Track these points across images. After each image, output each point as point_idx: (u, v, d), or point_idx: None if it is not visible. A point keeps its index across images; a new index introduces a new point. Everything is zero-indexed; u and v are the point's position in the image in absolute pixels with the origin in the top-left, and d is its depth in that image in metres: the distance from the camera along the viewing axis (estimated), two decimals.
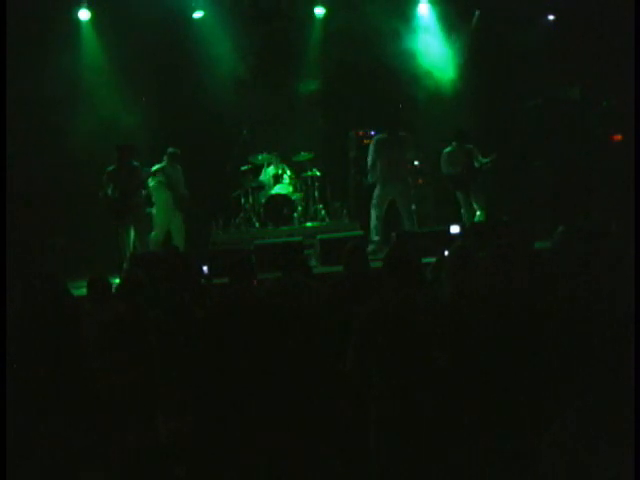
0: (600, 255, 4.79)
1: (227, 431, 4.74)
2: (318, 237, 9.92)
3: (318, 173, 11.80)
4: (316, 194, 11.85)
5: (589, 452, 1.64)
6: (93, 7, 11.14)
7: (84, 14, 11.15)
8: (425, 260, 5.16)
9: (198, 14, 11.55)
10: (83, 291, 5.56)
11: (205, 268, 7.38)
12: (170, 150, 10.21)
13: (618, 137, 11.95)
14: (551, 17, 12.19)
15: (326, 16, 12.01)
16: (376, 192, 10.25)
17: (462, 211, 10.52)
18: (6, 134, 7.86)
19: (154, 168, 10.08)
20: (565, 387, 3.78)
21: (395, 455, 4.11)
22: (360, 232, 10.18)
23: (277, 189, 11.58)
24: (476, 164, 10.28)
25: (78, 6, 11.08)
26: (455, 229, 9.47)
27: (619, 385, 2.88)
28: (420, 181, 11.76)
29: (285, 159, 11.81)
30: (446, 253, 4.92)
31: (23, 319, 4.89)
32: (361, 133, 12.16)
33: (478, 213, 10.36)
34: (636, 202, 7.68)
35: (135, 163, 9.62)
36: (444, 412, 4.06)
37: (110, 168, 9.54)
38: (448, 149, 10.41)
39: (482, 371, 4.09)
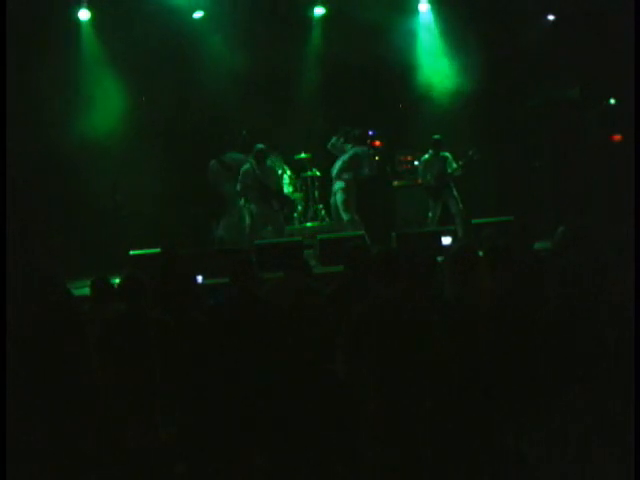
0: (600, 255, 4.80)
1: (227, 431, 4.74)
2: (318, 237, 9.92)
3: (318, 173, 11.81)
4: (316, 194, 11.86)
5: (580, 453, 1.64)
6: (93, 7, 11.13)
7: (84, 14, 11.14)
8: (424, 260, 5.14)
9: (198, 14, 11.54)
10: (83, 291, 5.57)
11: (199, 278, 7.20)
12: None
13: (618, 137, 11.95)
14: (551, 17, 12.18)
15: (326, 16, 12.01)
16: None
17: (429, 214, 10.90)
18: (6, 134, 7.85)
19: None
20: (565, 388, 3.78)
21: (388, 456, 4.11)
22: (360, 232, 10.19)
23: None
24: (449, 170, 10.70)
25: (78, 6, 11.07)
26: (447, 240, 9.54)
27: (619, 386, 2.88)
28: (419, 181, 11.78)
29: (285, 159, 11.81)
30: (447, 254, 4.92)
31: (24, 320, 4.89)
32: None
33: (457, 217, 10.68)
34: (636, 202, 7.69)
35: None
36: (439, 413, 4.06)
37: None
38: (425, 157, 10.90)
39: (480, 371, 4.08)
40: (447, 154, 10.79)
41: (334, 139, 10.85)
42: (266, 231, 10.61)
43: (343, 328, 4.34)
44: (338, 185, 10.66)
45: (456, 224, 10.52)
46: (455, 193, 10.70)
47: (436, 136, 10.83)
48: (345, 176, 10.51)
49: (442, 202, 10.83)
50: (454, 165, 10.69)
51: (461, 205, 10.62)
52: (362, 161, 10.56)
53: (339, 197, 10.65)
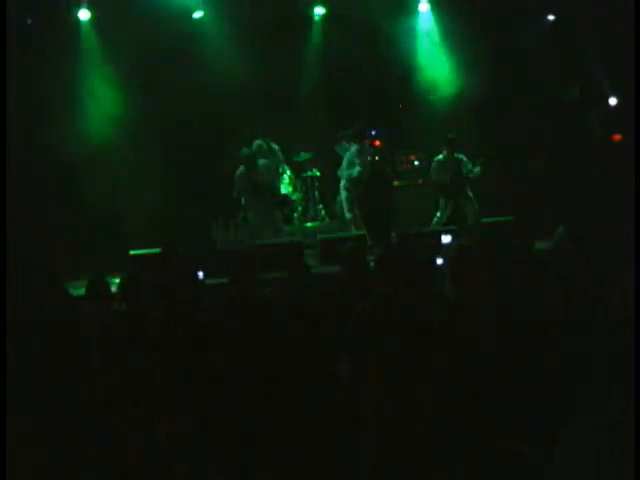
0: (600, 255, 4.80)
1: (226, 431, 4.74)
2: (318, 237, 9.92)
3: (318, 173, 11.80)
4: (316, 194, 11.85)
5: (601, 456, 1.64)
6: (93, 7, 11.12)
7: (84, 14, 11.14)
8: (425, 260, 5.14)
9: (198, 14, 11.54)
10: (83, 291, 5.56)
11: (200, 274, 7.21)
12: None
13: (618, 137, 11.95)
14: (551, 17, 12.18)
15: (326, 16, 12.01)
16: None
17: (437, 214, 10.70)
18: (6, 134, 7.85)
19: None
20: (565, 388, 3.78)
21: (390, 455, 4.11)
22: (361, 231, 10.19)
23: None
24: (465, 172, 10.51)
25: (78, 6, 11.06)
26: (446, 239, 9.49)
27: (618, 385, 2.88)
28: (420, 181, 11.76)
29: (285, 159, 11.80)
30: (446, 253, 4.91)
31: (23, 319, 4.89)
32: None
33: (470, 217, 10.56)
34: (636, 202, 7.69)
35: None
36: (440, 412, 4.06)
37: None
38: (439, 157, 10.66)
39: (480, 371, 4.08)
40: (461, 156, 10.56)
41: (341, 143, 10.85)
42: (266, 232, 10.61)
43: (345, 329, 4.34)
44: (341, 184, 10.66)
45: (469, 224, 10.39)
46: (470, 194, 10.58)
47: (450, 135, 10.56)
48: (344, 174, 10.49)
49: (454, 203, 10.64)
50: (469, 166, 10.50)
51: (477, 206, 10.53)
52: (354, 159, 10.48)
53: (342, 195, 10.63)
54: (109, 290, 5.44)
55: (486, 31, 11.68)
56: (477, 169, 10.42)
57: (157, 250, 8.57)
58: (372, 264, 5.67)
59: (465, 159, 10.56)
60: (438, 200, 10.86)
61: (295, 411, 4.71)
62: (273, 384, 4.71)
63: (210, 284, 7.50)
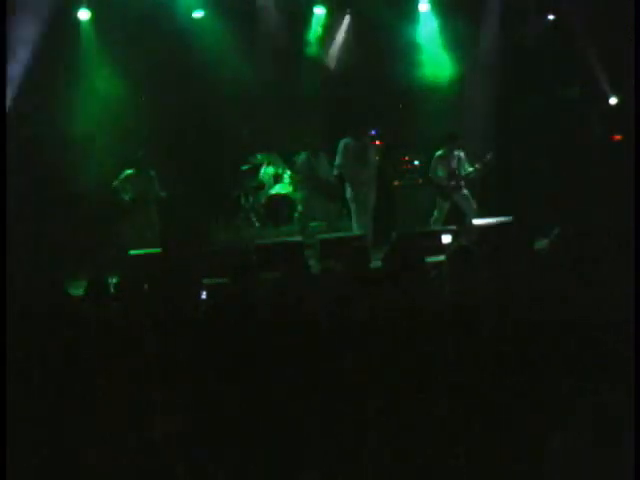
0: (598, 255, 4.80)
1: (226, 431, 4.74)
2: (318, 237, 9.92)
3: None
4: None
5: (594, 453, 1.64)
6: (93, 7, 11.13)
7: (84, 14, 11.14)
8: (426, 260, 5.14)
9: (198, 14, 11.55)
10: (83, 291, 5.56)
11: (204, 293, 7.21)
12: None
13: (618, 137, 11.96)
14: (551, 17, 12.19)
15: (326, 15, 12.02)
16: None
17: (435, 213, 10.69)
18: (6, 134, 7.86)
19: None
20: (565, 388, 3.78)
21: (391, 455, 4.12)
22: (360, 232, 10.19)
23: (277, 189, 11.58)
24: (462, 171, 10.48)
25: (78, 6, 11.06)
26: (447, 239, 9.49)
27: (619, 386, 2.88)
28: (420, 181, 11.76)
29: (285, 159, 11.81)
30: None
31: (22, 319, 4.89)
32: None
33: (468, 216, 10.55)
34: (636, 202, 7.70)
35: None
36: (443, 412, 4.06)
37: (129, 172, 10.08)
38: (439, 153, 10.62)
39: (482, 371, 4.09)
40: (461, 153, 10.57)
41: None
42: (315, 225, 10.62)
43: (346, 329, 4.34)
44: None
45: (467, 224, 10.39)
46: (466, 192, 10.58)
47: (451, 131, 10.57)
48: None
49: (451, 202, 10.63)
50: (467, 167, 10.48)
51: (474, 205, 10.51)
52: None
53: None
54: (109, 290, 5.44)
55: (486, 31, 11.70)
56: (473, 171, 10.41)
57: (157, 250, 8.59)
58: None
59: (464, 157, 10.54)
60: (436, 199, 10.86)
61: (296, 411, 4.71)
62: (273, 384, 4.71)
63: (210, 284, 7.51)
